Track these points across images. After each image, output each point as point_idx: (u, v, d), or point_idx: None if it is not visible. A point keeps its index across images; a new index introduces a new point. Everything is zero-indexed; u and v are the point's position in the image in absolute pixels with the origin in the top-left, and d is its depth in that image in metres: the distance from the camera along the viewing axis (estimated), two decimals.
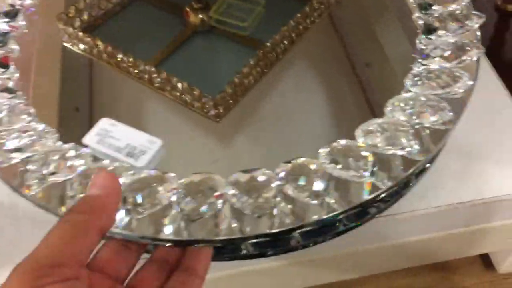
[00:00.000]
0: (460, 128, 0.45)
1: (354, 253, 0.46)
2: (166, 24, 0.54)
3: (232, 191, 0.30)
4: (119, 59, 0.48)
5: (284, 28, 0.49)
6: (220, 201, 0.29)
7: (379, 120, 0.35)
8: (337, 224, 0.35)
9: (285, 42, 0.50)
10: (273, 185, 0.30)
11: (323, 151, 0.32)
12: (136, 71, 0.48)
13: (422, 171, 0.38)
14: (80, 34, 0.50)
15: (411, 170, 0.32)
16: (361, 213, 0.36)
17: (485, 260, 0.61)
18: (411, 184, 0.37)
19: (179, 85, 0.45)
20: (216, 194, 0.29)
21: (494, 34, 0.75)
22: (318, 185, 0.30)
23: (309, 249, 0.35)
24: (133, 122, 0.44)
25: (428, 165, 0.39)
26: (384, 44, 0.50)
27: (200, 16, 0.52)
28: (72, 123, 0.46)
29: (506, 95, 0.51)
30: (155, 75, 0.46)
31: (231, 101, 0.45)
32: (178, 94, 0.46)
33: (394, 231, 0.45)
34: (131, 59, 0.47)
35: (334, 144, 0.33)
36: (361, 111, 0.45)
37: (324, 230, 0.34)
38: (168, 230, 0.29)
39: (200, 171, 0.33)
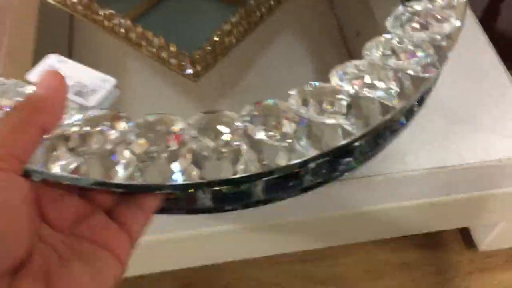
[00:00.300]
0: (445, 89, 0.44)
1: (327, 218, 0.44)
2: None
3: (191, 132, 0.27)
4: (94, 11, 0.46)
5: None
6: (174, 143, 0.26)
7: (357, 62, 0.32)
8: (304, 176, 0.32)
9: (271, 1, 0.47)
10: (237, 126, 0.28)
11: (294, 92, 0.30)
12: (111, 25, 0.45)
13: (399, 129, 0.36)
14: None
15: (388, 116, 0.29)
16: (331, 169, 0.33)
17: (466, 238, 0.60)
18: (387, 141, 0.35)
19: (155, 40, 0.43)
20: (171, 135, 0.27)
21: (488, 5, 0.73)
22: (287, 127, 0.28)
23: (273, 213, 0.34)
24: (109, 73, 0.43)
25: (405, 121, 0.36)
26: (376, 11, 0.48)
27: None
28: None
29: (495, 57, 0.49)
30: (130, 30, 0.44)
31: (210, 60, 0.43)
32: (154, 50, 0.43)
33: (368, 195, 0.43)
34: (106, 12, 0.45)
35: (307, 86, 0.30)
36: None
37: (289, 185, 0.32)
38: (119, 174, 0.26)
39: None
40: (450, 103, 0.45)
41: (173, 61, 0.43)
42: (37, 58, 0.44)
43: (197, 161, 0.27)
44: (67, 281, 0.23)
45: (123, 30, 0.45)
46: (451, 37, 0.34)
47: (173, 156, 0.27)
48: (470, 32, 0.50)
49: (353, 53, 0.46)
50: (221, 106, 0.41)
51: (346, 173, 0.34)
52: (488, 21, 0.71)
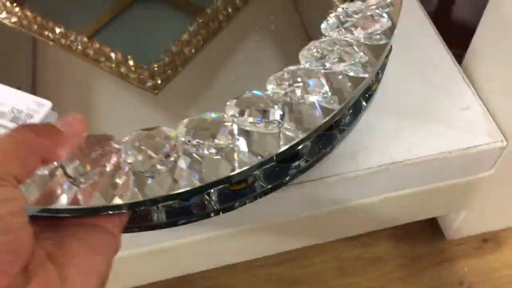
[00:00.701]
0: (395, 84, 0.45)
1: (294, 220, 0.45)
2: None
3: (128, 150, 0.27)
4: (49, 29, 0.45)
5: None
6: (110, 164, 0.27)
7: (292, 67, 0.33)
8: (254, 183, 0.33)
9: (229, 9, 0.48)
10: (177, 142, 0.28)
11: (230, 102, 0.30)
12: (68, 42, 0.45)
13: (346, 129, 0.37)
14: (8, 4, 0.47)
15: (326, 119, 0.30)
16: (281, 174, 0.34)
17: (435, 228, 0.61)
18: (335, 141, 0.36)
19: (113, 55, 0.43)
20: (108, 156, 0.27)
21: None
22: (225, 139, 0.28)
23: (232, 219, 0.34)
24: (76, 98, 0.43)
25: (351, 121, 0.37)
26: None
27: None
28: None
29: (445, 50, 0.50)
30: (87, 46, 0.44)
31: (169, 71, 0.43)
32: (113, 65, 0.43)
33: (325, 196, 0.43)
34: (62, 30, 0.45)
35: (244, 94, 0.31)
36: None
37: (241, 193, 0.33)
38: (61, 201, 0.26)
39: None
40: (400, 98, 0.45)
41: (132, 75, 0.43)
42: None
43: (137, 179, 0.27)
44: (70, 257, 0.23)
45: (80, 47, 0.44)
46: (386, 35, 0.35)
47: (112, 177, 0.27)
48: (419, 25, 0.51)
49: None
50: (183, 117, 0.41)
51: (297, 177, 0.35)
52: (441, 11, 0.72)
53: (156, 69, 0.42)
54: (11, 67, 0.46)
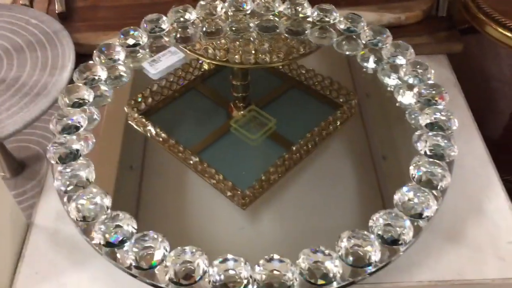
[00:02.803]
0: (449, 210, 0.54)
1: None
2: (213, 113, 0.65)
3: None
4: (170, 144, 0.59)
5: (308, 135, 0.58)
6: None
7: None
8: None
9: (309, 145, 0.59)
10: None
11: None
12: (183, 156, 0.58)
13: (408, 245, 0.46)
14: (142, 120, 0.61)
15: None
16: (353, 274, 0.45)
17: None
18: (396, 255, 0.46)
19: (216, 176, 0.55)
20: None
21: (510, 123, 0.80)
22: None
23: None
24: (174, 193, 0.56)
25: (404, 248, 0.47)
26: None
27: (242, 112, 0.63)
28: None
29: (500, 186, 0.57)
30: (198, 164, 0.57)
31: (257, 194, 0.55)
32: (214, 182, 0.56)
33: None
34: (180, 147, 0.58)
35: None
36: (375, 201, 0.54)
37: None
38: None
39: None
40: (455, 225, 0.54)
41: (228, 192, 0.55)
42: (121, 164, 0.57)
43: None
44: None
45: (191, 162, 0.58)
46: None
47: None
48: (478, 159, 0.60)
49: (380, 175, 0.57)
50: (264, 226, 0.52)
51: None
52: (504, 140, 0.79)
53: (247, 192, 0.54)
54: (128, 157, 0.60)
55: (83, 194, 0.49)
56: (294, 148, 0.57)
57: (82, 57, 0.66)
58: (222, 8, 0.69)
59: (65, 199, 0.50)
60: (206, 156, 0.58)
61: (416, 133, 0.55)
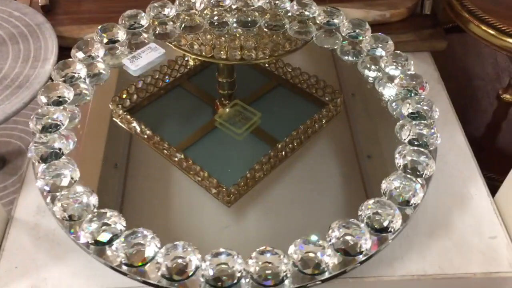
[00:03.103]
0: (432, 204, 0.55)
1: None
2: (199, 111, 0.65)
3: None
4: (155, 141, 0.59)
5: (293, 133, 0.59)
6: None
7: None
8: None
9: (294, 143, 0.59)
10: None
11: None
12: (168, 153, 0.58)
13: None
14: (127, 117, 0.61)
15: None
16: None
17: None
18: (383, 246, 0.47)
19: (201, 173, 0.55)
20: None
21: (492, 122, 0.82)
22: None
23: None
24: (159, 191, 0.55)
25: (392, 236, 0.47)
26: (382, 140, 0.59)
27: (226, 107, 0.63)
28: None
29: (481, 182, 0.58)
30: (183, 161, 0.57)
31: (242, 192, 0.55)
32: (199, 179, 0.56)
33: None
34: (165, 145, 0.58)
35: None
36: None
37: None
38: None
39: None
40: (438, 220, 0.54)
41: (213, 190, 0.55)
42: (106, 162, 0.57)
43: None
44: None
45: (176, 159, 0.57)
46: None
47: None
48: (462, 156, 0.61)
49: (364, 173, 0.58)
50: (249, 221, 0.52)
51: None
52: (491, 137, 0.80)
53: (232, 189, 0.54)
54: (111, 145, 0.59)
55: (68, 193, 0.48)
56: (279, 146, 0.58)
57: (65, 50, 0.65)
58: (201, 3, 0.68)
59: (48, 199, 0.50)
60: (191, 153, 0.57)
61: (399, 123, 0.56)
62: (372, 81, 0.63)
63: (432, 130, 0.54)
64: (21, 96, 0.58)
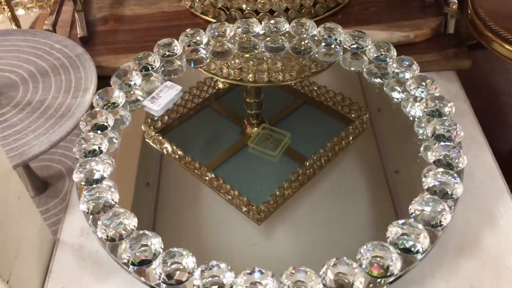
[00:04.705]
0: (460, 224, 0.55)
1: None
2: (228, 130, 0.67)
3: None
4: (187, 161, 0.61)
5: (321, 150, 0.60)
6: None
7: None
8: None
9: (322, 160, 0.61)
10: None
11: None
12: (199, 172, 0.60)
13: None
14: (159, 138, 0.64)
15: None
16: None
17: None
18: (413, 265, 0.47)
19: (231, 192, 0.57)
20: None
21: None
22: None
23: None
24: (190, 209, 0.58)
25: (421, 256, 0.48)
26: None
27: (255, 129, 0.65)
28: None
29: (508, 197, 0.58)
30: (214, 180, 0.59)
31: (272, 209, 0.56)
32: (230, 197, 0.58)
33: None
34: (196, 164, 0.60)
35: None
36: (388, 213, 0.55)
37: None
38: None
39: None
40: (467, 237, 0.55)
41: (243, 208, 0.57)
42: (138, 182, 0.60)
43: None
44: None
45: (207, 178, 0.60)
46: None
47: None
48: (490, 174, 0.61)
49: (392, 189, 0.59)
50: (278, 238, 0.54)
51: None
52: None
53: (262, 207, 0.55)
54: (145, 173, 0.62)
55: (109, 216, 0.51)
56: (307, 164, 0.59)
57: (104, 79, 0.69)
58: (231, 31, 0.72)
59: (90, 220, 0.53)
60: (221, 172, 0.60)
61: (424, 144, 0.57)
62: (398, 101, 0.65)
63: (458, 152, 0.55)
64: (64, 125, 0.62)
